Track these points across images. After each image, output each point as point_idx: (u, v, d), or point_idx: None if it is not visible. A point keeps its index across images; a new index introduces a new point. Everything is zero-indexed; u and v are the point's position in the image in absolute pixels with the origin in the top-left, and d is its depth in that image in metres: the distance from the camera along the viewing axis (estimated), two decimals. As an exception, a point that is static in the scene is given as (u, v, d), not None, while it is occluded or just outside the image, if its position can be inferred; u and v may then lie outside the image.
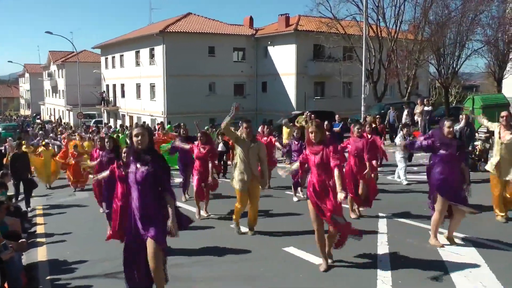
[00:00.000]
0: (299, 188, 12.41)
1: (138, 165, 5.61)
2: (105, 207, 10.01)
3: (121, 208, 7.32)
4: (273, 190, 13.44)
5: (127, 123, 45.47)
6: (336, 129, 17.83)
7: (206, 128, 19.95)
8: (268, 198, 12.00)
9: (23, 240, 7.34)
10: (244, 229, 9.31)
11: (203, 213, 10.91)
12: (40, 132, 31.95)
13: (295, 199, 12.33)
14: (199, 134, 11.40)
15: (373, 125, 16.84)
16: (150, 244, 5.58)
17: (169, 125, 24.93)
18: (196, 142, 11.27)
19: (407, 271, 6.86)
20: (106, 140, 10.52)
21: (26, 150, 20.65)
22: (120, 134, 22.89)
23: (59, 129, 40.60)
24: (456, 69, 33.98)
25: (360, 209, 10.23)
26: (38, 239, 10.20)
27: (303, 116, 22.41)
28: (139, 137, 5.59)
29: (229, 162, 17.81)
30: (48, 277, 7.63)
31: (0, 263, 6.39)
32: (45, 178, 18.13)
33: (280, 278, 6.92)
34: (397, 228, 9.09)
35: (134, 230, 5.74)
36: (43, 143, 19.37)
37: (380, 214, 10.09)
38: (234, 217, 9.30)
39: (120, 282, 7.03)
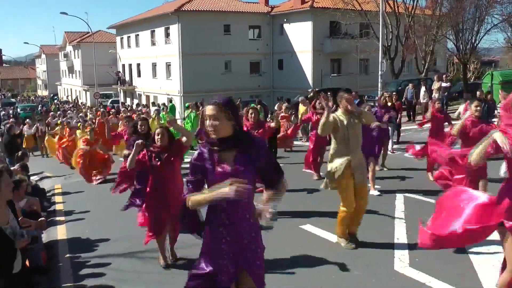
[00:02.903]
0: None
1: (225, 164, 3.66)
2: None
3: (155, 207, 6.67)
4: (290, 166, 13.18)
5: (144, 102, 45.63)
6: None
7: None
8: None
9: (43, 218, 7.43)
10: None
11: None
12: (68, 112, 32.17)
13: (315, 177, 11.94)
14: (250, 111, 9.52)
15: (389, 103, 16.64)
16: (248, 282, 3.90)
17: (187, 104, 21.76)
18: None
19: (424, 248, 6.82)
20: (139, 123, 8.89)
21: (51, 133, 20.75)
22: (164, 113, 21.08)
23: (83, 110, 40.88)
24: (475, 44, 33.42)
25: None
26: (58, 218, 10.35)
27: (311, 95, 22.36)
28: (214, 122, 3.66)
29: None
30: (68, 255, 7.75)
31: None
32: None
33: (297, 255, 6.93)
34: (414, 206, 9.04)
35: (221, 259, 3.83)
36: (79, 125, 18.24)
37: (398, 192, 10.04)
38: (339, 230, 7.20)
39: (138, 261, 7.14)
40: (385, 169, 12.56)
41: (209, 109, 3.67)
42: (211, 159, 3.71)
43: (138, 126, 8.80)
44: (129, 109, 33.90)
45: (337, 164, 6.79)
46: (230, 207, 3.68)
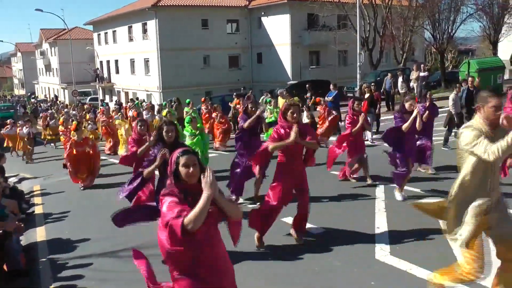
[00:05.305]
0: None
1: None
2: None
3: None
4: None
5: (123, 99, 45.27)
6: (329, 98, 17.69)
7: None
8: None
9: (18, 222, 7.34)
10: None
11: None
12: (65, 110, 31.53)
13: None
14: (291, 110, 6.62)
15: (367, 94, 16.83)
16: None
17: (188, 100, 19.57)
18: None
19: (405, 237, 6.88)
20: (165, 129, 6.48)
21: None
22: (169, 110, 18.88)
23: (84, 110, 40.32)
24: (452, 34, 33.77)
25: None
26: (37, 220, 10.22)
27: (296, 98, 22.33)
28: None
29: None
30: (48, 257, 7.65)
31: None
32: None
33: (279, 248, 6.92)
34: (394, 194, 9.08)
35: None
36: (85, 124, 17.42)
37: (378, 182, 10.07)
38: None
39: (119, 260, 7.07)
40: None
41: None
42: None
43: (164, 133, 6.53)
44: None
45: (470, 211, 4.36)
46: None
